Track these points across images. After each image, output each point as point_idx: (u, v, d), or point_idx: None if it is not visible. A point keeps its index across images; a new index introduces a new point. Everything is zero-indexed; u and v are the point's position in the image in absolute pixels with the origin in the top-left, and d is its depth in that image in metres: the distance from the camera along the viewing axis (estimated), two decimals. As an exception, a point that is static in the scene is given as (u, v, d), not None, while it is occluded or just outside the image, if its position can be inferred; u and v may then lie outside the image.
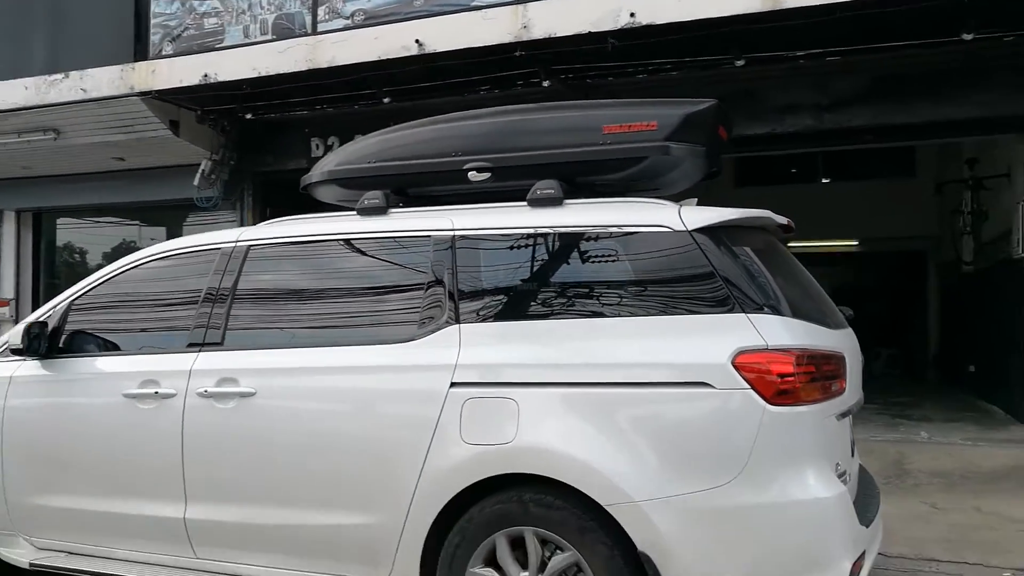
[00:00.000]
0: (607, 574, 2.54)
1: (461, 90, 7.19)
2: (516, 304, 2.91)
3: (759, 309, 2.61)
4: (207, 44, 7.28)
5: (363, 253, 3.25)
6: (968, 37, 5.69)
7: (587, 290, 2.85)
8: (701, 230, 2.74)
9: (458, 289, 2.94)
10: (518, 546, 2.70)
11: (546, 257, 2.94)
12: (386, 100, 7.19)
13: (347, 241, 3.26)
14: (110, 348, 3.60)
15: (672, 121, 3.10)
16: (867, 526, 2.68)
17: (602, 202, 3.06)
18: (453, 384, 2.80)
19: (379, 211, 3.28)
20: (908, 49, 5.99)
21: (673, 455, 2.55)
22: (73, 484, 3.44)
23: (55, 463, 3.48)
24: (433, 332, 2.91)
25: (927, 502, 4.95)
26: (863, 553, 2.60)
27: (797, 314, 2.68)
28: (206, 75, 7.11)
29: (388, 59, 6.49)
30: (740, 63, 6.22)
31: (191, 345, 3.29)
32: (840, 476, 2.64)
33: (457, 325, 2.89)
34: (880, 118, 6.61)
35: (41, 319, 3.56)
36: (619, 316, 2.75)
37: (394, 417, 2.90)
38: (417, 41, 6.32)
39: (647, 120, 3.12)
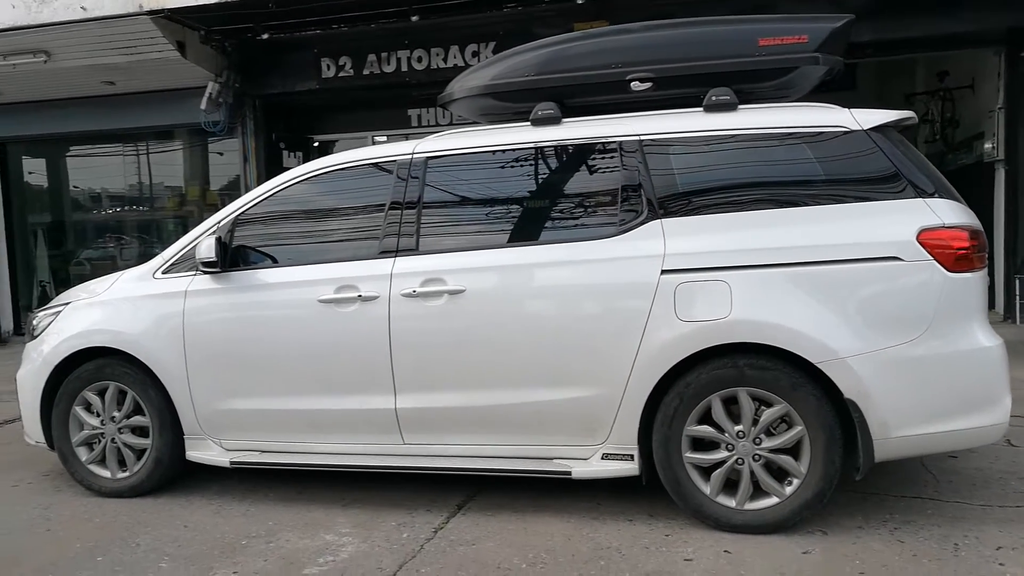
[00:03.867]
0: (817, 419, 3.04)
1: (487, 7, 7.30)
2: (713, 199, 3.28)
3: (931, 195, 3.09)
4: (225, -40, 7.06)
5: (548, 159, 3.52)
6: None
7: (777, 183, 3.24)
8: (875, 128, 3.17)
9: (653, 188, 3.29)
10: (729, 405, 3.16)
11: (734, 156, 3.30)
12: (414, 19, 7.22)
13: (532, 149, 3.52)
14: (280, 260, 3.76)
15: (821, 35, 3.48)
16: (1008, 371, 3.27)
17: (772, 106, 3.43)
18: (664, 271, 3.17)
19: (553, 121, 3.54)
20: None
21: (870, 317, 3.03)
22: (266, 386, 3.65)
23: (245, 369, 3.67)
24: (635, 227, 3.26)
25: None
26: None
27: (954, 198, 3.18)
28: (227, -8, 6.93)
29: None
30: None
31: (384, 252, 3.52)
32: (992, 331, 3.20)
33: (658, 220, 3.25)
34: (880, 34, 7.13)
35: (216, 235, 3.68)
36: (810, 205, 3.16)
37: (608, 302, 3.24)
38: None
39: (798, 34, 3.49)
